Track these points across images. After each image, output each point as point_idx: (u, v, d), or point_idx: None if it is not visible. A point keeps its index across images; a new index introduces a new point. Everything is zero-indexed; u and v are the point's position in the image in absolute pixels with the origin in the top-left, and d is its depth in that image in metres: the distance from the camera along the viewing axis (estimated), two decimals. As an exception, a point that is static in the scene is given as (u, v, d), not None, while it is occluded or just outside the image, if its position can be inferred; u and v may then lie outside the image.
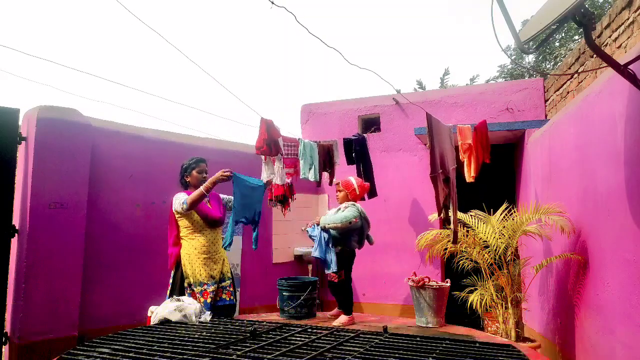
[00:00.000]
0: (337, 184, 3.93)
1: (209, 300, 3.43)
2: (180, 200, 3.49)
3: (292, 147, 5.01)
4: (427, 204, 6.00)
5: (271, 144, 4.43)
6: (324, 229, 3.65)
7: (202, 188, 3.45)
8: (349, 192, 3.81)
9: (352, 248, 3.71)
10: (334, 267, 3.58)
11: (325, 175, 5.63)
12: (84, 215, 4.17)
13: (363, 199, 5.41)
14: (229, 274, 3.67)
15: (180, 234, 3.56)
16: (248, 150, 5.48)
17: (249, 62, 48.06)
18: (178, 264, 3.54)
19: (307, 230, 3.92)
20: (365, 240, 3.84)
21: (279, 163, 4.58)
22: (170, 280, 3.55)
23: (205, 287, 3.46)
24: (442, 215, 3.89)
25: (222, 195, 3.87)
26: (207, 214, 3.55)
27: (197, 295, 3.43)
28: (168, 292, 3.54)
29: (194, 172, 3.68)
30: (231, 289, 3.63)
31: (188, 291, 3.43)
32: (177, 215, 3.57)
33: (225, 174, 3.49)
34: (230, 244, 3.54)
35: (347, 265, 3.70)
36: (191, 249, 3.50)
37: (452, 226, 3.98)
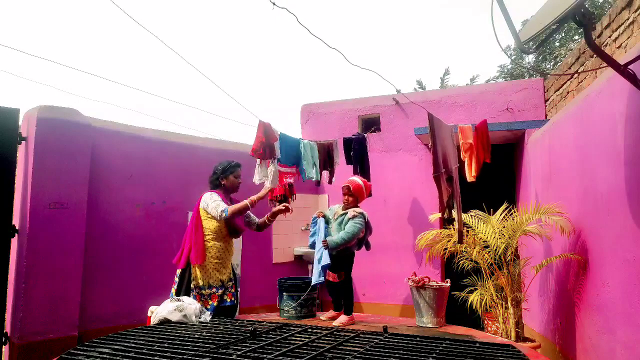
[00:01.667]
0: (347, 187, 3.69)
1: (215, 303, 3.44)
2: (219, 207, 3.42)
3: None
4: (427, 204, 6.00)
5: (266, 147, 4.43)
6: (334, 248, 3.53)
7: (248, 202, 3.45)
8: (359, 197, 3.74)
9: (351, 250, 3.69)
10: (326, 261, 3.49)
11: (325, 174, 5.63)
12: (84, 215, 4.17)
13: None
14: (232, 276, 3.69)
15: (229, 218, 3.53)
16: (248, 150, 5.47)
17: (249, 62, 48.08)
18: (188, 264, 3.51)
19: (310, 227, 3.80)
20: (363, 245, 3.79)
21: (273, 166, 4.57)
22: (177, 279, 3.52)
23: (215, 290, 3.47)
24: (445, 214, 3.88)
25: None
26: (236, 224, 3.57)
27: (205, 297, 3.43)
28: (174, 290, 3.50)
29: (232, 177, 3.66)
30: (232, 290, 3.64)
31: (194, 293, 3.42)
32: (204, 216, 3.53)
33: (282, 207, 3.64)
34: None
35: (348, 266, 3.69)
36: (206, 252, 3.51)
37: (456, 226, 3.97)
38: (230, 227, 3.58)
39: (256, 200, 3.52)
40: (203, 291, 3.44)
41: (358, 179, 3.79)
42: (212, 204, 3.47)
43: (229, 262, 3.64)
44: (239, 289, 3.91)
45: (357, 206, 3.70)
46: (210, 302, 3.42)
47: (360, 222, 3.53)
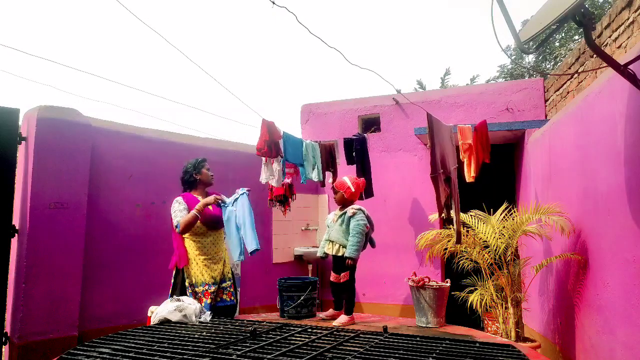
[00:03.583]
0: (332, 186, 3.85)
1: (209, 300, 3.43)
2: (175, 219, 3.47)
3: None
4: (427, 204, 6.00)
5: (272, 145, 4.42)
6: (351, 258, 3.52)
7: (194, 212, 3.44)
8: (344, 192, 3.74)
9: None
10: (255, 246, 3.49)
11: (328, 175, 5.63)
12: (84, 215, 4.17)
13: (361, 198, 5.40)
14: (230, 275, 3.67)
15: (183, 235, 3.55)
16: (248, 150, 5.48)
17: (249, 62, 48.08)
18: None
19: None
20: (368, 243, 3.79)
21: (278, 165, 4.57)
22: (172, 280, 3.55)
23: (207, 287, 3.46)
24: (442, 215, 3.88)
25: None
26: (207, 217, 3.54)
27: (199, 295, 3.43)
28: (170, 292, 3.54)
29: (204, 170, 3.70)
30: (232, 290, 3.63)
31: (189, 291, 3.44)
32: None
33: (218, 199, 3.59)
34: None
35: (352, 267, 3.68)
36: (192, 249, 3.51)
37: (454, 226, 3.97)
38: (206, 222, 3.55)
39: (202, 207, 3.49)
40: (196, 288, 3.45)
41: (344, 177, 3.83)
42: (173, 214, 3.51)
43: (219, 258, 3.60)
44: (238, 289, 3.92)
45: (352, 203, 3.73)
46: (204, 300, 3.43)
47: (361, 217, 3.58)
